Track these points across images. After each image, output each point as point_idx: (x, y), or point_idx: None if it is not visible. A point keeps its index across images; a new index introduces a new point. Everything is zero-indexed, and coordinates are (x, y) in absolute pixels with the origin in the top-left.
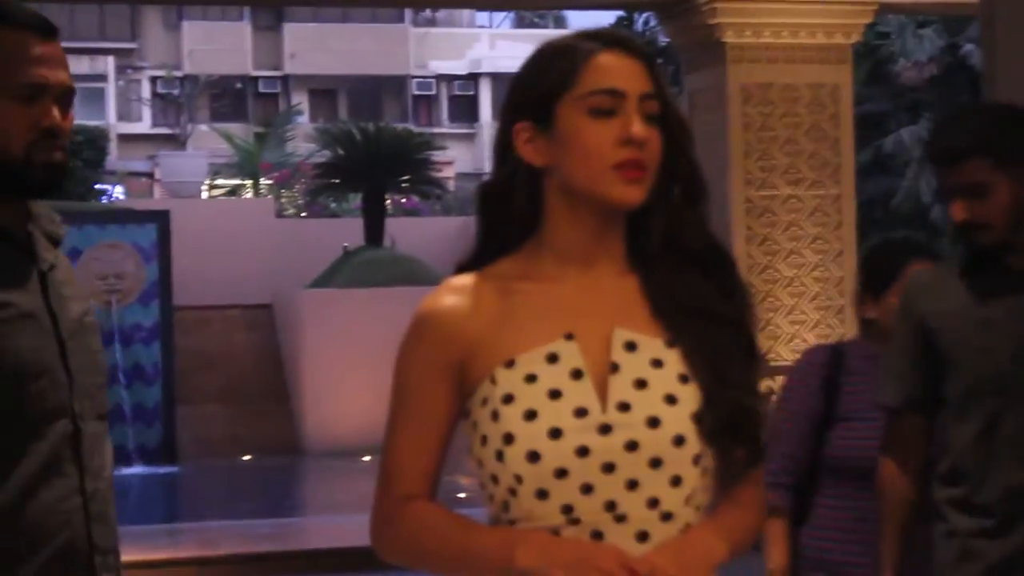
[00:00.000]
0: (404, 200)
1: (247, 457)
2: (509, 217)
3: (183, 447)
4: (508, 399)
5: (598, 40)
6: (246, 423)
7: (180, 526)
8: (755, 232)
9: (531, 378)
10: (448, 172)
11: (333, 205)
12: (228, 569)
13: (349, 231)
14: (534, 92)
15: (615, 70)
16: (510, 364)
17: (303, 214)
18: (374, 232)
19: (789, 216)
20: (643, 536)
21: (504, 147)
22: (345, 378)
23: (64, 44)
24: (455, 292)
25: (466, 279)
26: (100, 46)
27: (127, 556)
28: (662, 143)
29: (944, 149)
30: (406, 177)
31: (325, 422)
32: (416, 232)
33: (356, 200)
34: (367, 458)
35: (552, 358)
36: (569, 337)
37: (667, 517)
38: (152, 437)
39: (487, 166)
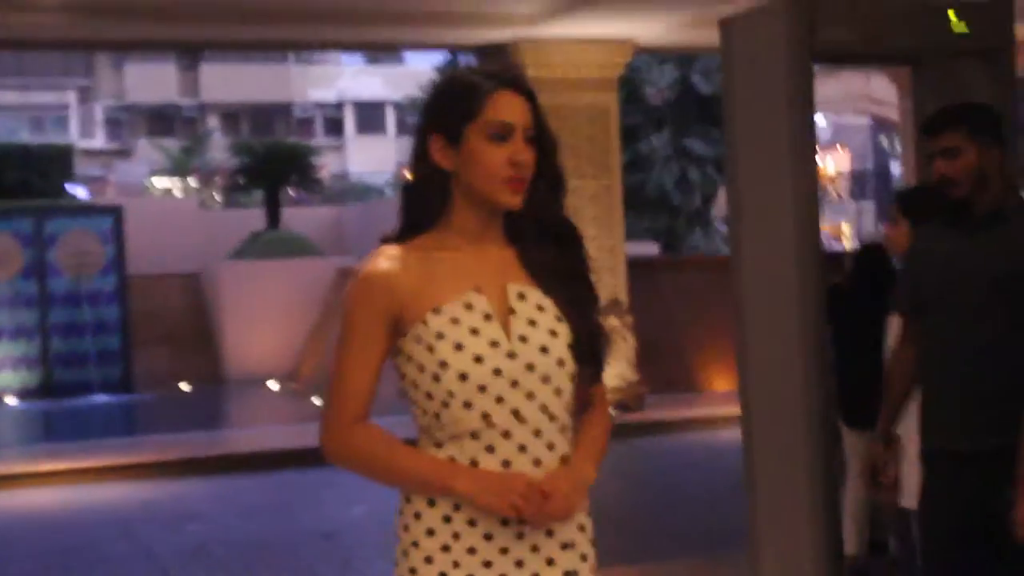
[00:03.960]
0: (294, 194)
1: (184, 386)
2: (424, 206)
3: (138, 380)
4: (439, 336)
5: (497, 79)
6: (183, 361)
7: (139, 439)
8: None
9: (455, 320)
10: (324, 174)
11: (242, 199)
12: (178, 468)
13: (254, 218)
14: (447, 116)
15: (508, 107)
16: (437, 311)
17: (218, 207)
18: (273, 218)
19: (576, 201)
20: (537, 433)
21: (420, 153)
22: (254, 325)
23: (33, 78)
24: (389, 258)
25: (395, 249)
26: (63, 81)
27: (97, 462)
28: (536, 155)
29: (930, 121)
30: (294, 178)
31: (240, 358)
32: (302, 218)
33: (259, 195)
34: (271, 383)
35: (468, 306)
36: (478, 290)
37: (552, 419)
38: (115, 374)
39: (351, 169)
